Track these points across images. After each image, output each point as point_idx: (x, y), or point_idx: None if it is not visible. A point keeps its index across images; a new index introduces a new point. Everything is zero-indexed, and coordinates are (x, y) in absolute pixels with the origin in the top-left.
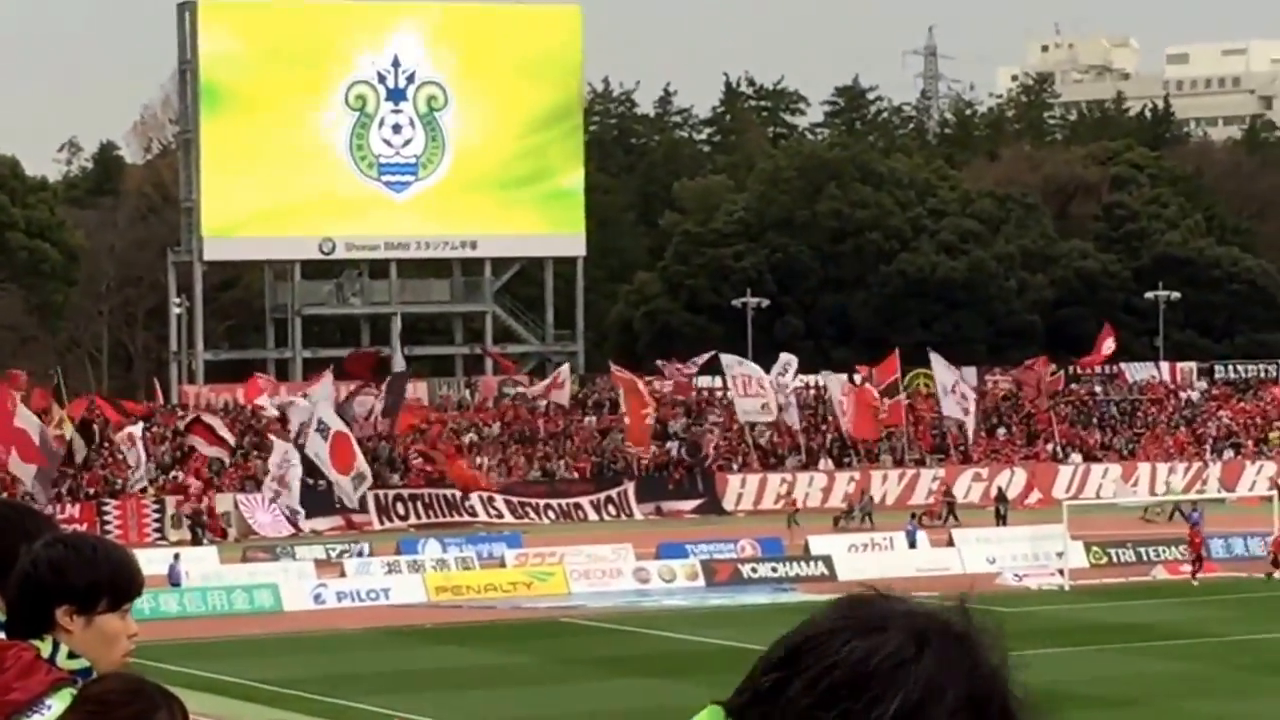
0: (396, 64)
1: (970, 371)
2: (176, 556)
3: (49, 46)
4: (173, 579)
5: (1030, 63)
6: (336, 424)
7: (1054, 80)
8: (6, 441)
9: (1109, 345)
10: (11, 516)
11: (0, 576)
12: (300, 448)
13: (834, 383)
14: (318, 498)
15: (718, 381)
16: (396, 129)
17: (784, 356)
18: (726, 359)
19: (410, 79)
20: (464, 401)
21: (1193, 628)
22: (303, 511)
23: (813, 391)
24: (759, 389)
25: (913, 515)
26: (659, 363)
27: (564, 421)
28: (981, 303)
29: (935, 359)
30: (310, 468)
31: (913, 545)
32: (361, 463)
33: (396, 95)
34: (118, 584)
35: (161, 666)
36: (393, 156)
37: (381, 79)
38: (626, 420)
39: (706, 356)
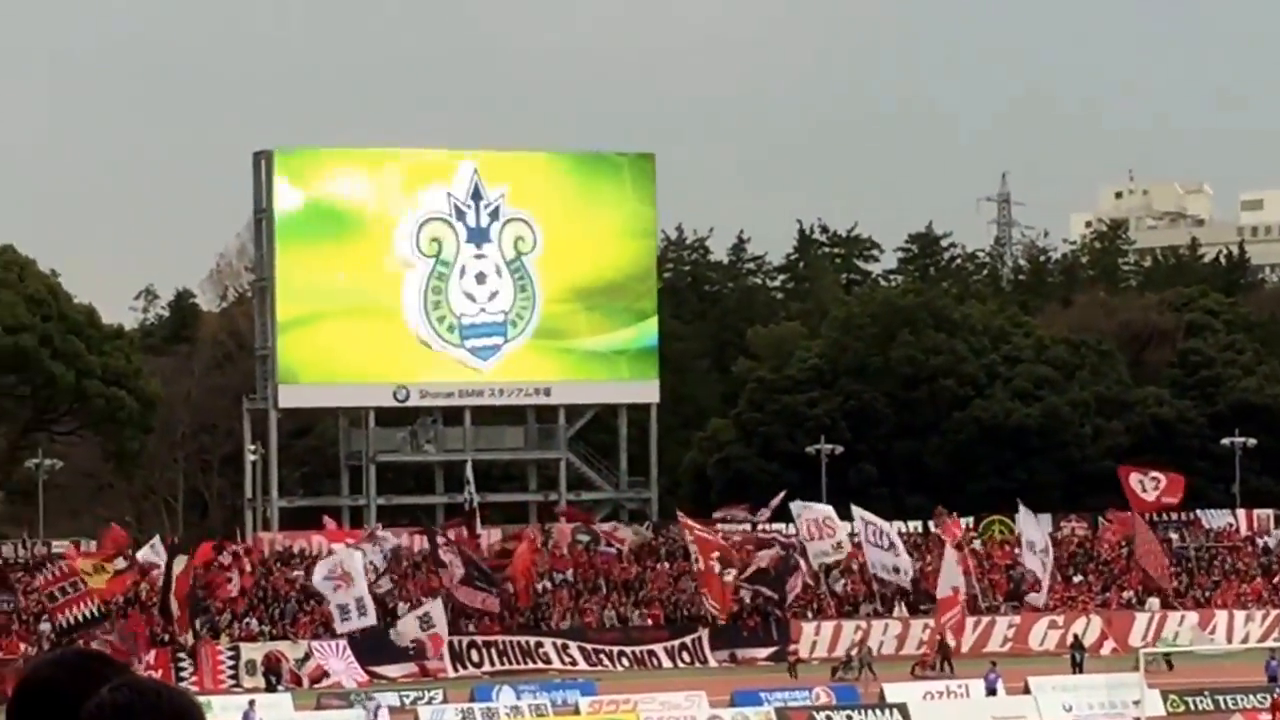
0: (478, 197)
1: (1045, 518)
2: (251, 703)
3: (125, 195)
4: None
5: (1104, 209)
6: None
7: (1128, 226)
8: None
9: (1169, 494)
10: (92, 666)
11: None
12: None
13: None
14: (393, 644)
15: (790, 528)
16: (480, 278)
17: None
18: (795, 506)
19: (494, 214)
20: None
21: None
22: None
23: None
24: (829, 528)
25: (912, 668)
26: (729, 512)
27: (637, 568)
28: (1056, 449)
29: (1025, 514)
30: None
31: (991, 693)
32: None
33: (478, 235)
34: None
35: None
36: (477, 315)
37: (460, 214)
38: (702, 576)
39: (776, 500)
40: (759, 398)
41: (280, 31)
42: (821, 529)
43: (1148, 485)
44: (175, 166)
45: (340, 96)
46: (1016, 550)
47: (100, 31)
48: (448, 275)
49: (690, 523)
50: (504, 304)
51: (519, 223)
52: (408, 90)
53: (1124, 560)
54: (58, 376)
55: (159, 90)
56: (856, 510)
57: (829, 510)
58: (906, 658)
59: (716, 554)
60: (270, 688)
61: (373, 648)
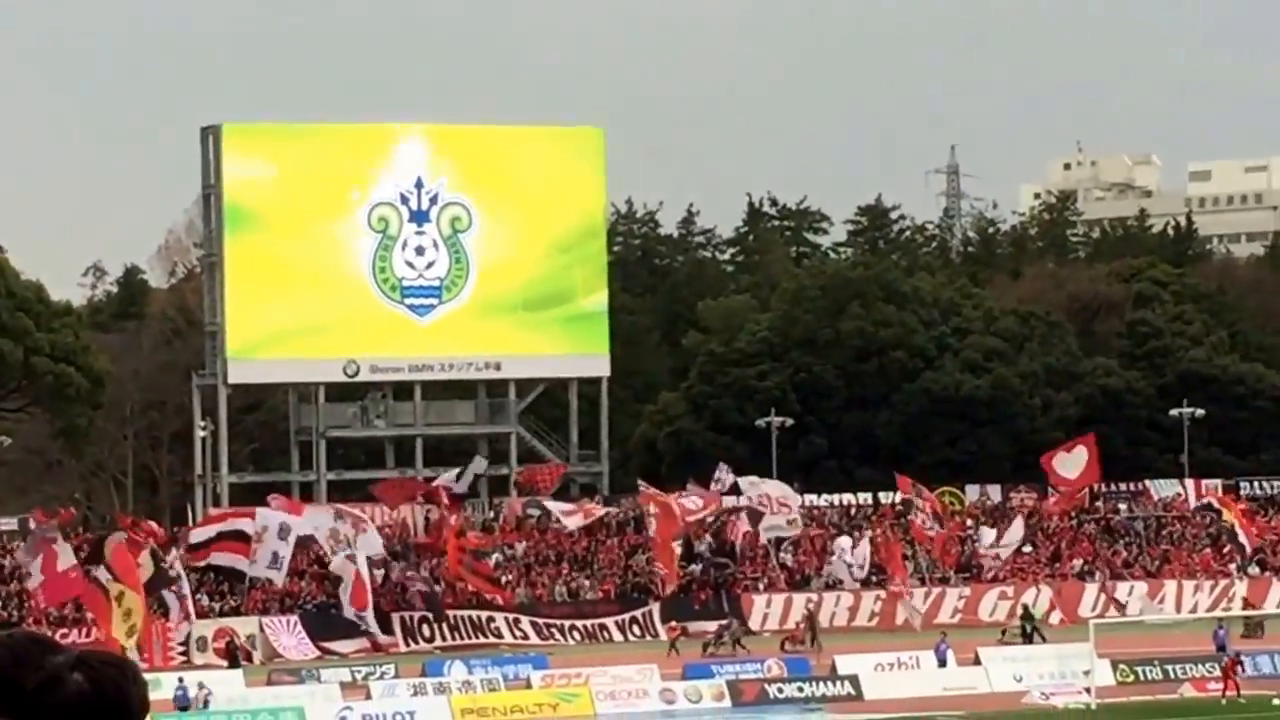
0: (420, 185)
1: (994, 489)
2: (181, 680)
3: (73, 171)
4: (179, 703)
5: (1053, 180)
6: (360, 566)
7: (1076, 198)
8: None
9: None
10: (31, 648)
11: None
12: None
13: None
14: (343, 620)
15: (742, 500)
16: (419, 251)
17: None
18: (744, 481)
19: (434, 200)
20: (488, 523)
21: None
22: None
23: (840, 511)
24: (781, 506)
25: (782, 643)
26: (689, 486)
27: (589, 542)
28: (1006, 421)
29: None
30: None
31: (942, 664)
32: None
33: (419, 217)
34: None
35: None
36: (415, 279)
37: (404, 200)
38: (655, 542)
39: (731, 477)
40: (709, 371)
41: (232, 4)
42: (774, 504)
43: (1069, 463)
44: (124, 142)
45: (290, 71)
46: (967, 521)
47: (49, 2)
48: (392, 247)
49: (653, 492)
50: (439, 272)
51: (456, 206)
52: (358, 65)
53: (1073, 531)
54: (5, 353)
55: (108, 63)
56: (744, 481)
57: (784, 487)
58: (857, 630)
59: (677, 528)
60: (234, 663)
61: (324, 624)
